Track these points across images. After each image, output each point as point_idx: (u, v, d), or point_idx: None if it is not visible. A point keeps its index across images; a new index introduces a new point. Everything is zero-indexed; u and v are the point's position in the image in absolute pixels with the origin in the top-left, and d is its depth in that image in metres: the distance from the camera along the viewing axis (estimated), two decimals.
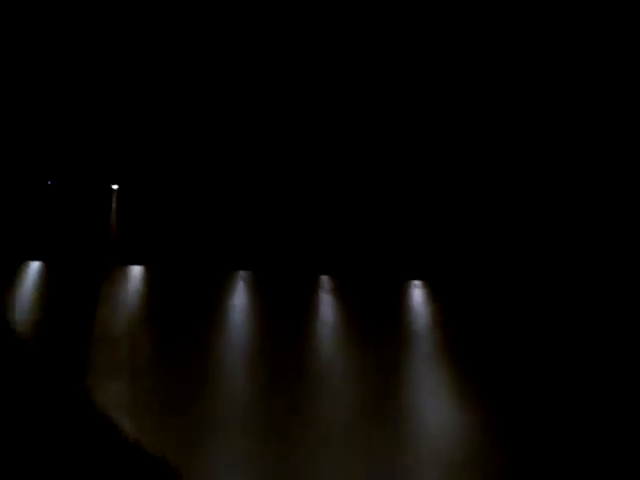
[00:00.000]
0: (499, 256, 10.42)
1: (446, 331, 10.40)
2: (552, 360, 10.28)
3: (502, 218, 10.35)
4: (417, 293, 10.54)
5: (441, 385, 10.25)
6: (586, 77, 9.17)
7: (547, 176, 9.91)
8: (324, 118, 9.64)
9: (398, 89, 9.40)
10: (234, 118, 9.57)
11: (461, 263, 10.42)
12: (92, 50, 9.20)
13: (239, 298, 10.18)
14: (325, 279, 10.40)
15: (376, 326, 10.31)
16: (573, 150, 9.65)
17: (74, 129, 9.50)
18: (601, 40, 8.94)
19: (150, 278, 10.08)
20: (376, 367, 10.22)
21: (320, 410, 10.04)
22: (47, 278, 9.94)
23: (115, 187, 9.97)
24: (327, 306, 10.35)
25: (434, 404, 10.19)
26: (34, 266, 9.95)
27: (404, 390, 10.20)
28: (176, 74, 9.41)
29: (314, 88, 9.34)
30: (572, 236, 10.24)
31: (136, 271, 10.08)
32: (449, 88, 9.37)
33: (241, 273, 10.22)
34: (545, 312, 10.38)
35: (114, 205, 9.90)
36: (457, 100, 9.50)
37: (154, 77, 9.38)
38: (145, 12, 8.91)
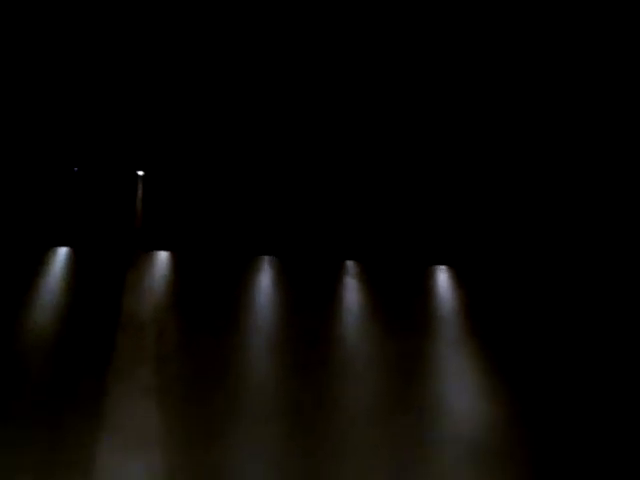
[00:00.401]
0: (526, 241, 10.40)
1: (472, 317, 10.40)
2: (579, 347, 10.29)
3: (529, 203, 10.32)
4: (443, 278, 10.53)
5: (467, 373, 10.27)
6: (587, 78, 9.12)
7: (577, 168, 9.86)
8: (349, 108, 9.59)
9: (419, 80, 9.33)
10: (259, 107, 9.52)
11: (487, 248, 10.40)
12: (118, 38, 9.14)
13: (264, 284, 10.18)
14: (350, 264, 10.40)
15: (402, 312, 10.31)
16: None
17: (100, 116, 9.45)
18: (600, 42, 8.89)
19: (176, 264, 10.08)
20: (401, 354, 10.23)
21: (345, 400, 10.07)
22: (74, 264, 9.95)
23: (141, 173, 9.96)
24: (352, 292, 10.35)
25: (460, 392, 10.21)
26: (61, 252, 9.97)
27: (429, 378, 10.22)
28: (202, 62, 9.35)
29: (335, 81, 9.29)
30: (603, 226, 10.22)
31: (162, 257, 10.08)
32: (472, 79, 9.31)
33: (266, 259, 10.21)
34: (573, 299, 10.37)
35: (140, 191, 9.89)
36: (481, 90, 9.44)
37: (179, 64, 9.31)
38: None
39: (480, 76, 9.23)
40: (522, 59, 9.01)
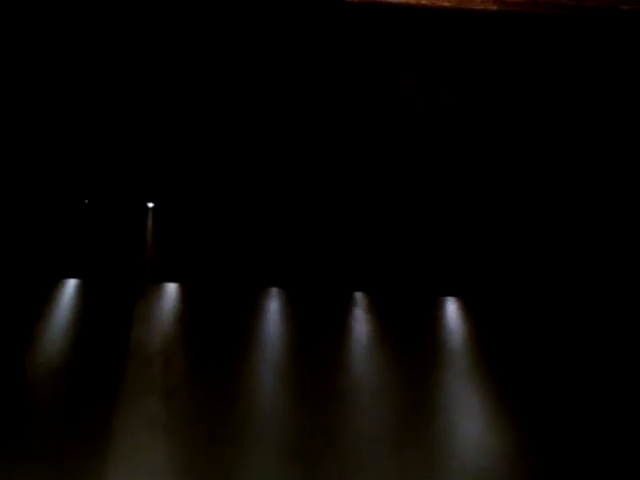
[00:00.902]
0: (534, 273, 10.40)
1: (481, 348, 10.42)
2: (588, 378, 10.30)
3: (538, 234, 10.33)
4: (451, 309, 10.54)
5: (476, 403, 10.29)
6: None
7: (584, 203, 9.86)
8: (359, 141, 9.58)
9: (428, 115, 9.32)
10: (269, 141, 9.50)
11: (495, 280, 10.41)
12: (127, 70, 9.12)
13: (273, 316, 10.21)
14: (359, 296, 10.41)
15: (410, 343, 10.34)
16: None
17: (110, 148, 9.45)
18: None
19: (185, 296, 10.11)
20: (410, 385, 10.26)
21: (353, 430, 10.11)
22: (83, 296, 9.98)
23: (151, 205, 9.97)
24: (361, 323, 10.37)
25: (468, 423, 10.24)
26: (71, 284, 10.00)
27: (438, 408, 10.25)
28: (213, 93, 9.34)
29: (345, 116, 9.28)
30: (610, 259, 10.22)
31: (171, 289, 10.11)
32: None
33: (275, 290, 10.23)
34: (582, 331, 10.38)
35: (149, 223, 9.91)
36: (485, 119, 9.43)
37: (191, 97, 9.30)
38: (177, 35, 8.84)
39: (489, 116, 9.23)
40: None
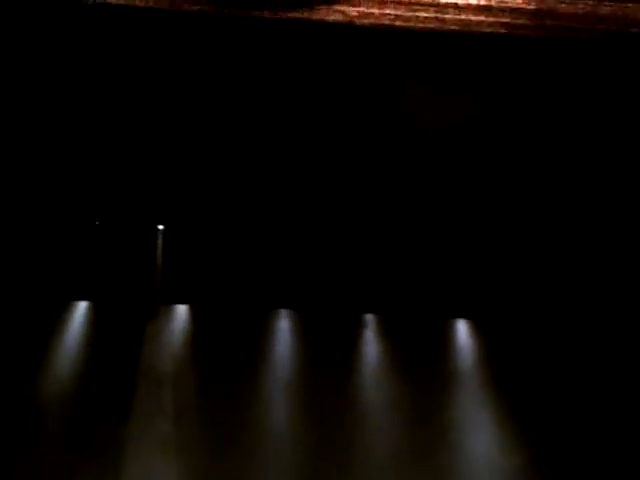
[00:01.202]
0: (544, 294, 10.38)
1: (491, 369, 10.40)
2: (598, 399, 10.27)
3: (547, 256, 10.30)
4: (462, 331, 10.52)
5: (486, 425, 10.27)
6: None
7: (591, 225, 9.84)
8: (366, 164, 9.59)
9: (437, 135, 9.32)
10: (277, 163, 9.52)
11: (506, 301, 10.38)
12: (137, 92, 9.16)
13: (283, 337, 10.21)
14: (369, 317, 10.41)
15: (420, 364, 10.32)
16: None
17: (120, 170, 9.48)
18: None
19: (195, 317, 10.12)
20: (420, 406, 10.24)
21: (364, 452, 10.10)
22: (94, 318, 10.00)
23: (161, 227, 9.99)
24: (371, 345, 10.36)
25: (479, 444, 10.21)
26: (81, 306, 10.02)
27: (449, 430, 10.23)
28: (223, 116, 9.37)
29: (351, 141, 9.30)
30: (618, 279, 10.19)
31: (181, 310, 10.13)
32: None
33: (284, 312, 10.24)
34: (591, 350, 10.35)
35: (160, 245, 9.93)
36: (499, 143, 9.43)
37: (201, 120, 9.33)
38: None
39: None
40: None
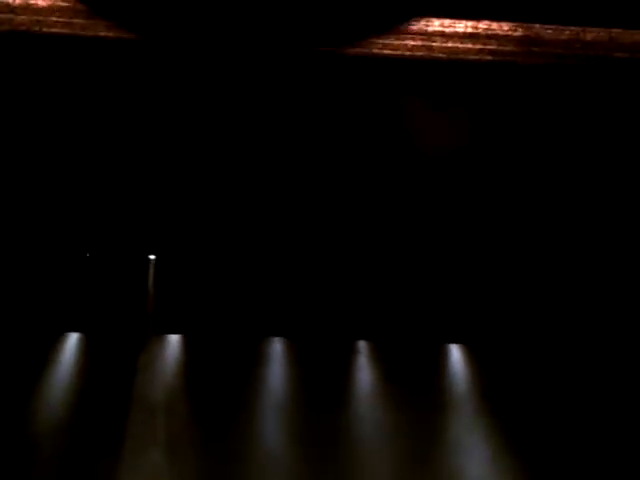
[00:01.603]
0: (540, 319, 10.38)
1: (486, 395, 10.38)
2: (595, 424, 10.26)
3: (543, 280, 10.31)
4: (456, 356, 10.51)
5: (481, 451, 10.25)
6: None
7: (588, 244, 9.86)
8: (356, 186, 9.62)
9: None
10: (268, 190, 9.54)
11: (500, 326, 10.38)
12: (126, 124, 9.18)
13: (276, 365, 10.20)
14: (361, 344, 10.40)
15: (415, 390, 10.30)
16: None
17: (110, 201, 9.49)
18: None
19: (187, 347, 10.11)
20: (415, 431, 10.22)
21: (358, 477, 10.07)
22: (85, 349, 9.99)
23: (152, 257, 10.00)
24: (364, 371, 10.35)
25: (474, 471, 10.19)
26: (72, 338, 10.01)
27: (443, 456, 10.20)
28: (213, 145, 9.39)
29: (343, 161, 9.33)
30: (614, 301, 10.20)
31: (173, 340, 10.12)
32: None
33: (277, 340, 10.23)
34: (588, 375, 10.35)
35: (151, 275, 9.93)
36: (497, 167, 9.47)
37: (191, 151, 9.35)
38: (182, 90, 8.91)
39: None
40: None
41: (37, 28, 7.68)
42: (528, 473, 10.19)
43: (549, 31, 8.10)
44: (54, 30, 7.73)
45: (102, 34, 7.82)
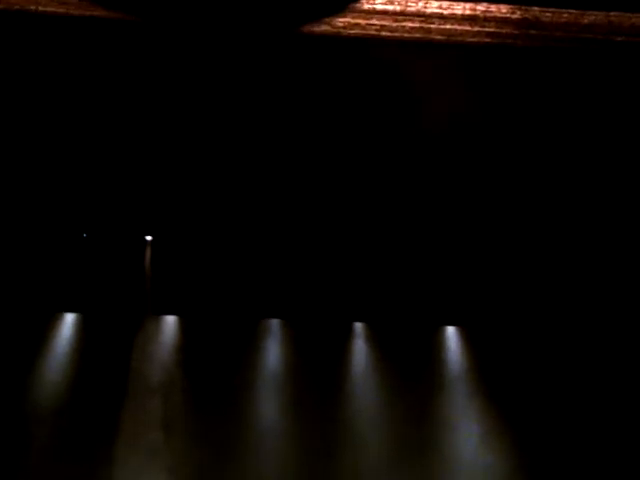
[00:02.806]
0: (536, 301, 10.38)
1: (482, 377, 10.40)
2: (591, 405, 10.28)
3: (540, 262, 10.30)
4: (452, 338, 10.51)
5: (477, 434, 10.27)
6: None
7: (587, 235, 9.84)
8: (354, 168, 9.58)
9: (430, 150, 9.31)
10: (266, 170, 9.51)
11: (497, 308, 10.38)
12: (123, 104, 9.14)
13: (272, 347, 10.21)
14: (358, 326, 10.41)
15: (411, 372, 10.32)
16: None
17: (108, 181, 9.47)
18: None
19: (184, 327, 10.12)
20: (411, 414, 10.25)
21: (353, 457, 10.10)
22: (82, 330, 10.00)
23: (149, 238, 9.99)
24: (360, 353, 10.36)
25: (470, 454, 10.21)
26: (69, 318, 10.01)
27: (439, 440, 10.23)
28: (209, 126, 9.35)
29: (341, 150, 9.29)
30: (613, 290, 10.19)
31: (170, 321, 10.12)
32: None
33: (274, 321, 10.23)
34: (584, 360, 10.36)
35: (148, 256, 9.92)
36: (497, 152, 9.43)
37: (189, 131, 9.32)
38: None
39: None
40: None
41: (32, 7, 7.62)
42: (523, 454, 10.23)
43: (548, 14, 8.03)
44: (49, 9, 7.67)
45: (97, 14, 7.76)
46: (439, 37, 8.22)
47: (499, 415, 10.30)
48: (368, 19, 8.30)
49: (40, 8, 7.68)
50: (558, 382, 10.32)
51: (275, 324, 10.25)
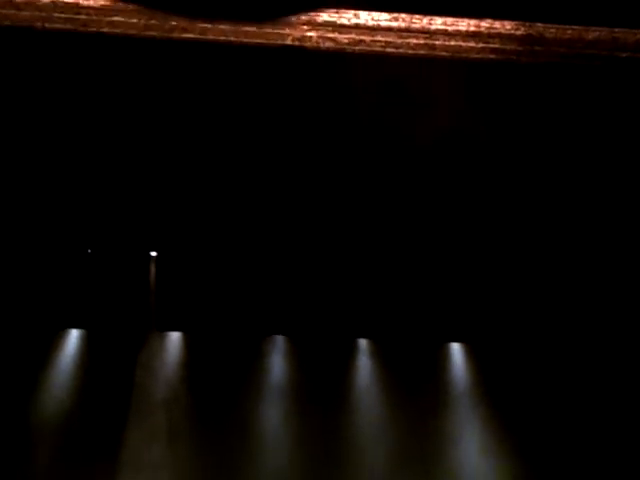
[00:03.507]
0: (539, 317, 10.38)
1: (487, 394, 10.40)
2: (594, 419, 10.27)
3: (543, 278, 10.31)
4: (456, 355, 10.51)
5: (483, 451, 10.26)
6: None
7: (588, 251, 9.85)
8: (356, 185, 9.61)
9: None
10: (269, 187, 9.54)
11: (501, 325, 10.39)
12: (126, 122, 9.18)
13: (276, 364, 10.20)
14: (362, 342, 10.41)
15: (415, 389, 10.32)
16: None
17: (112, 197, 9.49)
18: None
19: (188, 344, 10.12)
20: (415, 430, 10.24)
21: (357, 474, 10.08)
22: (86, 346, 10.01)
23: (154, 254, 10.00)
24: (365, 370, 10.35)
25: (475, 470, 10.20)
26: (73, 334, 10.02)
27: (444, 456, 10.22)
28: (212, 142, 9.39)
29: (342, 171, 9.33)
30: (615, 306, 10.19)
31: (175, 337, 10.13)
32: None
33: (278, 338, 10.24)
34: (587, 372, 10.36)
35: (153, 272, 9.93)
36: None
37: (192, 147, 9.35)
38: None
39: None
40: None
41: (39, 24, 7.66)
42: (528, 471, 10.21)
43: (552, 30, 8.06)
44: (56, 26, 7.71)
45: (105, 30, 7.80)
46: (444, 53, 8.24)
47: (502, 431, 10.30)
48: (373, 36, 8.34)
49: (47, 25, 7.71)
50: (561, 398, 10.32)
51: (279, 340, 10.25)
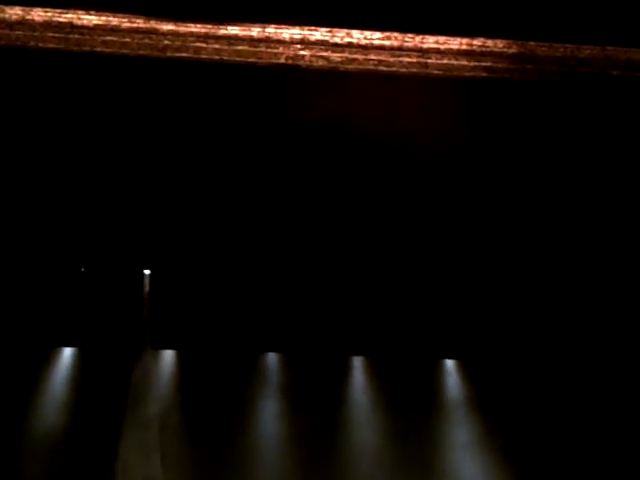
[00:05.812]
0: (534, 334, 10.39)
1: (482, 411, 10.41)
2: (590, 437, 10.28)
3: (538, 296, 10.32)
4: (451, 372, 10.52)
5: (478, 468, 10.25)
6: None
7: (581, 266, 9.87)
8: (348, 202, 9.62)
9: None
10: (260, 205, 9.55)
11: (496, 342, 10.40)
12: (122, 136, 9.19)
13: (270, 381, 10.21)
14: (357, 360, 10.41)
15: (410, 406, 10.33)
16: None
17: (106, 215, 9.50)
18: None
19: (182, 362, 10.13)
20: (410, 447, 10.25)
21: None
22: (80, 364, 10.00)
23: (147, 272, 10.01)
24: (359, 387, 10.35)
25: None
26: (67, 352, 10.02)
27: (439, 473, 10.22)
28: (206, 159, 9.40)
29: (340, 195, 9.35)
30: (610, 321, 10.21)
31: (168, 355, 10.13)
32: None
33: (271, 355, 10.24)
34: (582, 390, 10.37)
35: (146, 290, 9.93)
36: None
37: (186, 164, 9.36)
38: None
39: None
40: None
41: (33, 44, 7.67)
42: None
43: (544, 48, 8.09)
44: (50, 46, 7.72)
45: (98, 50, 7.81)
46: (436, 72, 8.27)
47: (498, 448, 10.30)
48: (366, 54, 8.36)
49: (40, 44, 7.73)
50: (556, 415, 10.34)
51: (273, 358, 10.26)
